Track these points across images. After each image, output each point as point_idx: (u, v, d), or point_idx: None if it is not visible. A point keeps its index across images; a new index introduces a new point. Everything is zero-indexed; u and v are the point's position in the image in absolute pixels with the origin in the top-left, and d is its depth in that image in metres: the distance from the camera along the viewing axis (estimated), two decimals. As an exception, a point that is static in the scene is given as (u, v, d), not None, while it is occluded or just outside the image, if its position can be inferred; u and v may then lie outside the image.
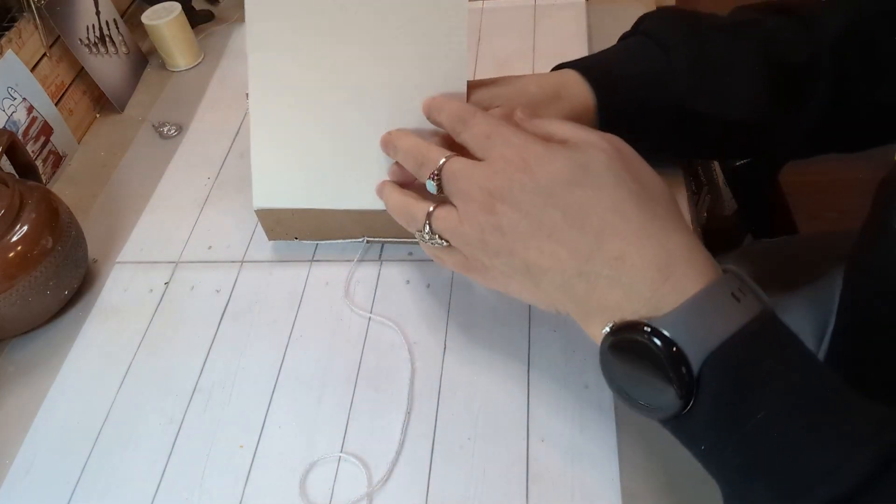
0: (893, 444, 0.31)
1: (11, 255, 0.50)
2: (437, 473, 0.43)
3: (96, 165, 0.70)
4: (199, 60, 0.81)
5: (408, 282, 0.54)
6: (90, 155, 0.72)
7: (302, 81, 0.50)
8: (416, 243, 0.53)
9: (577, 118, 0.49)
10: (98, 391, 0.51)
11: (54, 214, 0.54)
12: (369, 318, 0.52)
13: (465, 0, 0.46)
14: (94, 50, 0.74)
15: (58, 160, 0.70)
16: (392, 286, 0.54)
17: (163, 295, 0.56)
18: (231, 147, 0.68)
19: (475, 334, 0.50)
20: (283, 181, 0.53)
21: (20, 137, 0.62)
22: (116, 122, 0.76)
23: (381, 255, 0.56)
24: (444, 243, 0.42)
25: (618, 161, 0.39)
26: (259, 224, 0.59)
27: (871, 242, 0.45)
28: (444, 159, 0.42)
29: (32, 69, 0.67)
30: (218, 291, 0.56)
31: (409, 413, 0.46)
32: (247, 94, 0.52)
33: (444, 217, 0.42)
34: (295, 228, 0.55)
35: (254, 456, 0.46)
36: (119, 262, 0.59)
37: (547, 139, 0.41)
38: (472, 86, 0.50)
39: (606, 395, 0.45)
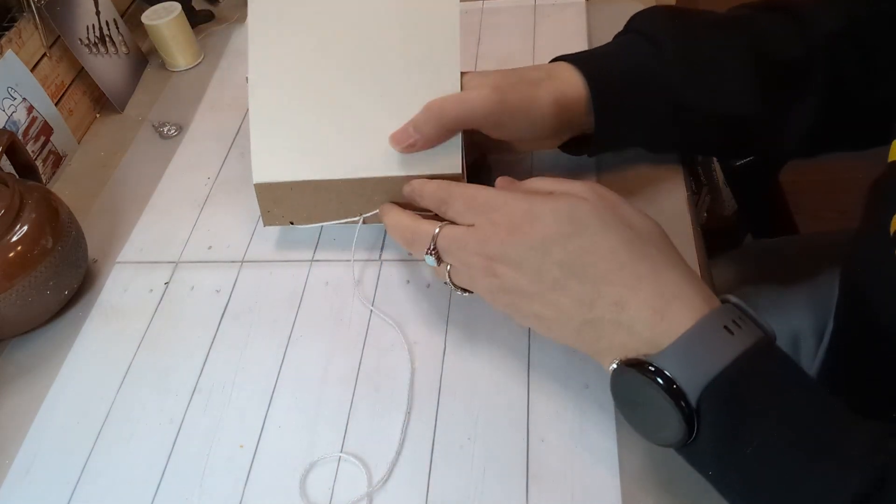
0: (885, 464, 0.32)
1: (11, 255, 0.50)
2: (437, 473, 0.43)
3: (96, 165, 0.70)
4: (199, 60, 0.81)
5: (408, 282, 0.54)
6: (90, 155, 0.72)
7: (299, 57, 0.52)
8: None
9: (570, 101, 0.50)
10: (98, 391, 0.51)
11: (54, 214, 0.54)
12: (370, 316, 0.52)
13: None
14: (94, 50, 0.74)
15: (58, 160, 0.70)
16: (392, 286, 0.54)
17: (163, 295, 0.56)
18: (231, 147, 0.68)
19: (475, 334, 0.50)
20: (281, 155, 0.54)
21: (20, 137, 0.62)
22: (116, 122, 0.76)
23: (381, 255, 0.56)
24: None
25: (602, 207, 0.41)
26: (258, 224, 0.59)
27: (865, 243, 0.45)
28: (437, 229, 0.44)
29: (32, 69, 0.67)
30: (218, 291, 0.56)
31: (409, 413, 0.46)
32: (247, 78, 0.53)
33: (456, 274, 0.45)
34: (292, 209, 0.55)
35: (254, 456, 0.46)
36: (119, 262, 0.59)
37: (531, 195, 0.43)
38: (465, 74, 0.51)
39: (606, 395, 0.45)
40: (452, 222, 0.45)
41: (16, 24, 0.67)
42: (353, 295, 0.53)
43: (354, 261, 0.55)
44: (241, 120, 0.71)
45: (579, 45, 0.71)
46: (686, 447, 0.37)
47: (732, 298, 0.38)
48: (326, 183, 0.54)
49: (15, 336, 0.55)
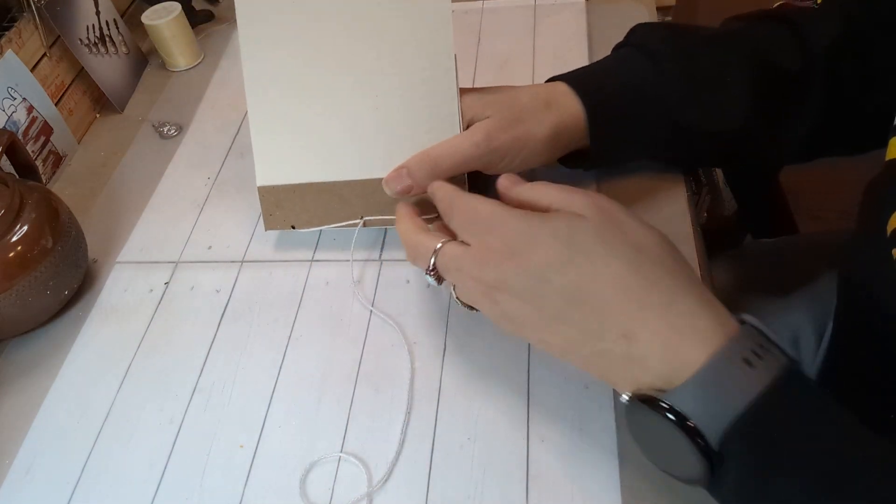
0: None
1: (11, 255, 0.50)
2: (437, 473, 0.43)
3: (96, 165, 0.70)
4: (199, 60, 0.81)
5: (408, 282, 0.54)
6: (90, 155, 0.72)
7: (295, 60, 0.52)
8: None
9: (567, 128, 0.50)
10: (98, 391, 0.51)
11: (54, 214, 0.54)
12: (370, 316, 0.52)
13: None
14: (94, 50, 0.74)
15: (58, 160, 0.70)
16: (392, 286, 0.54)
17: (163, 295, 0.56)
18: (231, 147, 0.68)
19: (475, 334, 0.50)
20: (284, 158, 0.54)
21: (20, 137, 0.62)
22: (116, 122, 0.76)
23: (381, 254, 0.56)
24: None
25: (605, 226, 0.38)
26: (258, 224, 0.59)
27: (863, 244, 0.45)
28: (439, 244, 0.42)
29: (32, 69, 0.67)
30: (218, 291, 0.56)
31: (409, 413, 0.46)
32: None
33: (460, 292, 0.43)
34: (293, 212, 0.55)
35: (254, 456, 0.46)
36: (119, 262, 0.59)
37: (531, 207, 0.41)
38: (465, 92, 0.51)
39: (606, 395, 0.45)
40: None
41: (16, 24, 0.67)
42: (353, 295, 0.53)
43: (354, 261, 0.55)
44: (241, 120, 0.71)
45: (579, 45, 0.71)
46: (710, 484, 0.35)
47: (750, 320, 0.36)
48: (329, 185, 0.54)
49: (15, 336, 0.55)
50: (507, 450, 0.43)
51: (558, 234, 0.38)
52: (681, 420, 0.33)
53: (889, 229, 0.40)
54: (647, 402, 0.35)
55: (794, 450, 0.33)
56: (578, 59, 0.70)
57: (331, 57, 0.51)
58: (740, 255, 0.71)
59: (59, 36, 0.71)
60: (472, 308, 0.43)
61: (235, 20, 0.52)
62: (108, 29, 0.77)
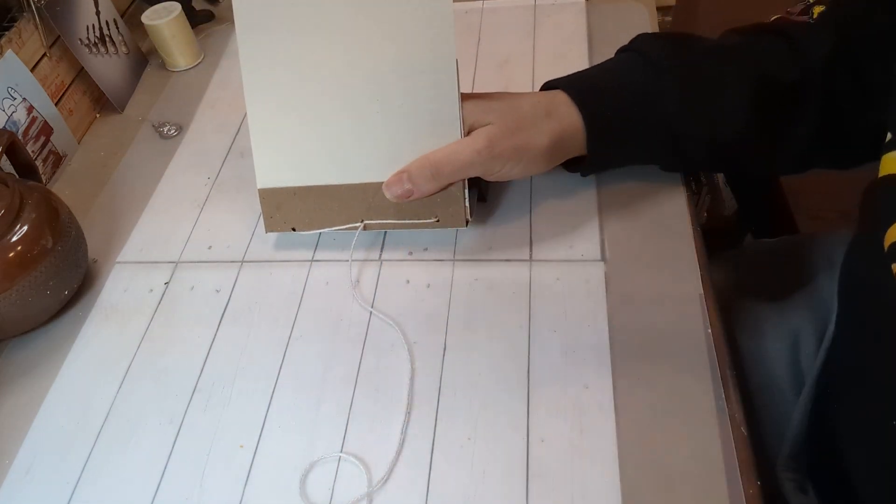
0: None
1: (11, 255, 0.50)
2: (437, 473, 0.43)
3: (96, 165, 0.70)
4: (199, 60, 0.81)
5: (408, 282, 0.54)
6: (90, 155, 0.72)
7: (294, 63, 0.51)
8: (411, 227, 0.54)
9: (567, 137, 0.51)
10: (98, 391, 0.51)
11: (54, 214, 0.54)
12: (370, 316, 0.52)
13: None
14: (94, 50, 0.74)
15: (58, 160, 0.70)
16: (392, 286, 0.54)
17: (163, 295, 0.56)
18: (231, 147, 0.68)
19: (475, 334, 0.50)
20: (284, 160, 0.54)
21: (20, 137, 0.62)
22: (116, 122, 0.76)
23: (381, 255, 0.56)
24: None
25: None
26: (258, 224, 0.59)
27: (860, 251, 0.45)
28: None
29: (32, 69, 0.67)
30: (218, 291, 0.56)
31: (409, 413, 0.46)
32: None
33: None
34: (294, 215, 0.55)
35: (254, 456, 0.46)
36: (119, 262, 0.59)
37: None
38: (467, 98, 0.51)
39: (606, 395, 0.45)
40: None
41: (16, 24, 0.67)
42: (352, 296, 0.53)
43: (353, 261, 0.55)
44: (241, 120, 0.71)
45: (579, 45, 0.71)
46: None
47: None
48: (329, 188, 0.54)
49: (15, 336, 0.55)
50: (507, 450, 0.43)
51: None
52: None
53: (887, 243, 0.40)
54: None
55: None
56: (578, 59, 0.70)
57: (331, 60, 0.51)
58: (740, 255, 0.71)
59: (59, 36, 0.71)
60: None
61: (235, 20, 0.52)
62: (108, 29, 0.77)
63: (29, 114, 0.66)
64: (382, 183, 0.52)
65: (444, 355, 0.49)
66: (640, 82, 0.51)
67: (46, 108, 0.68)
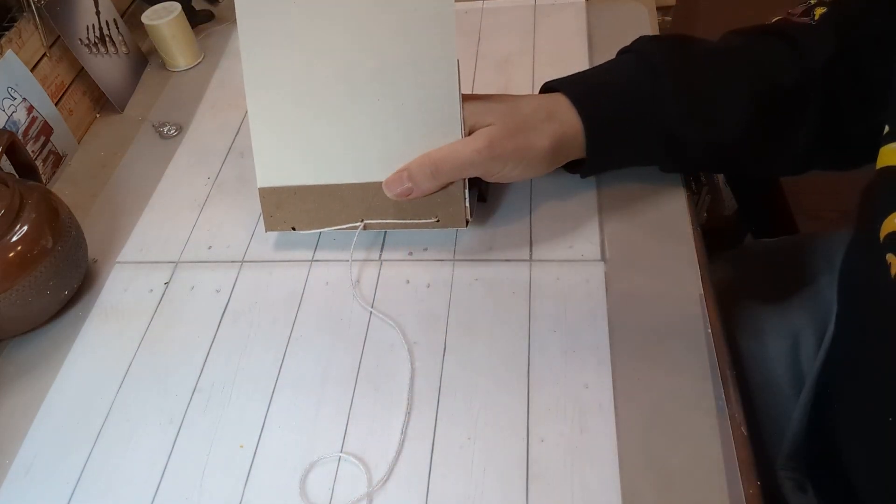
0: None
1: (11, 255, 0.50)
2: (437, 473, 0.43)
3: (96, 165, 0.70)
4: (199, 60, 0.81)
5: (408, 282, 0.54)
6: (90, 155, 0.72)
7: (295, 62, 0.51)
8: (411, 227, 0.54)
9: (567, 140, 0.51)
10: (98, 391, 0.51)
11: (54, 214, 0.54)
12: (370, 316, 0.52)
13: None
14: (94, 50, 0.74)
15: (58, 160, 0.70)
16: (392, 286, 0.54)
17: (163, 295, 0.56)
18: (231, 147, 0.68)
19: (475, 334, 0.50)
20: (285, 159, 0.54)
21: (20, 137, 0.62)
22: (116, 122, 0.76)
23: (381, 255, 0.56)
24: None
25: None
26: (258, 224, 0.59)
27: (858, 249, 0.45)
28: None
29: (32, 69, 0.67)
30: (218, 291, 0.56)
31: (409, 413, 0.46)
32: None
33: None
34: (294, 214, 0.55)
35: (254, 456, 0.46)
36: (119, 262, 0.59)
37: None
38: (468, 98, 0.51)
39: (607, 395, 0.45)
40: None
41: (16, 24, 0.67)
42: (352, 295, 0.53)
43: (353, 261, 0.55)
44: (241, 120, 0.71)
45: (579, 45, 0.71)
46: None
47: None
48: (330, 187, 0.54)
49: (15, 336, 0.55)
50: (507, 450, 0.43)
51: None
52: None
53: (882, 234, 0.40)
54: None
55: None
56: (578, 59, 0.70)
57: (332, 60, 0.51)
58: (740, 255, 0.71)
59: (59, 36, 0.71)
60: None
61: (235, 20, 0.52)
62: (108, 29, 0.77)
63: (29, 114, 0.66)
64: (382, 182, 0.52)
65: (444, 355, 0.49)
66: (640, 84, 0.51)
67: (46, 108, 0.68)
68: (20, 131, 0.64)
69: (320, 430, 0.46)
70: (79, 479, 0.46)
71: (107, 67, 0.76)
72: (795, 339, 0.59)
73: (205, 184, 0.65)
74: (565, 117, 0.51)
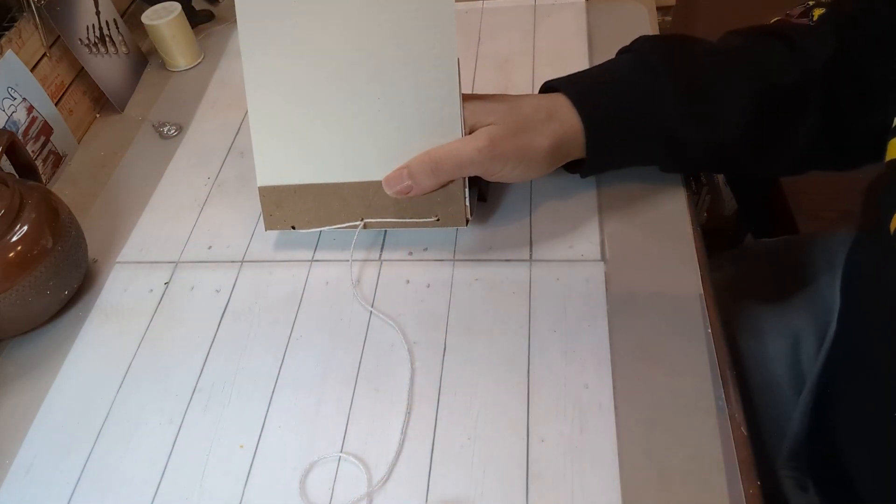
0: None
1: (11, 255, 0.50)
2: (437, 473, 0.43)
3: (96, 165, 0.70)
4: (199, 60, 0.81)
5: (408, 282, 0.54)
6: (90, 155, 0.72)
7: (296, 61, 0.51)
8: (411, 225, 0.54)
9: (567, 140, 0.51)
10: (98, 391, 0.51)
11: (54, 214, 0.54)
12: (370, 316, 0.52)
13: None
14: (94, 50, 0.74)
15: (58, 160, 0.70)
16: (392, 286, 0.54)
17: (163, 295, 0.56)
18: (231, 147, 0.68)
19: (475, 334, 0.50)
20: (284, 158, 0.54)
21: (20, 137, 0.62)
22: (116, 122, 0.76)
23: (381, 255, 0.56)
24: None
25: None
26: (258, 224, 0.60)
27: (865, 243, 0.45)
28: None
29: (32, 69, 0.67)
30: (218, 291, 0.56)
31: (409, 413, 0.46)
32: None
33: None
34: (294, 213, 0.55)
35: (254, 456, 0.46)
36: (119, 262, 0.59)
37: None
38: (469, 98, 0.51)
39: (606, 395, 0.45)
40: None
41: (16, 24, 0.67)
42: (352, 295, 0.53)
43: (353, 261, 0.55)
44: (241, 120, 0.71)
45: (579, 44, 0.71)
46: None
47: None
48: (329, 186, 0.54)
49: (15, 336, 0.55)
50: (507, 450, 0.43)
51: None
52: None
53: (893, 227, 0.40)
54: None
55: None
56: (578, 59, 0.70)
57: (332, 59, 0.51)
58: (740, 255, 0.71)
59: (59, 36, 0.71)
60: None
61: (235, 20, 0.52)
62: (108, 29, 0.77)
63: (29, 114, 0.66)
64: (382, 179, 0.52)
65: (444, 355, 0.49)
66: (640, 84, 0.51)
67: (46, 108, 0.68)
68: (20, 131, 0.64)
69: (320, 430, 0.46)
70: (79, 479, 0.46)
71: (107, 67, 0.76)
72: (796, 338, 0.59)
73: (205, 184, 0.65)
74: (565, 117, 0.51)
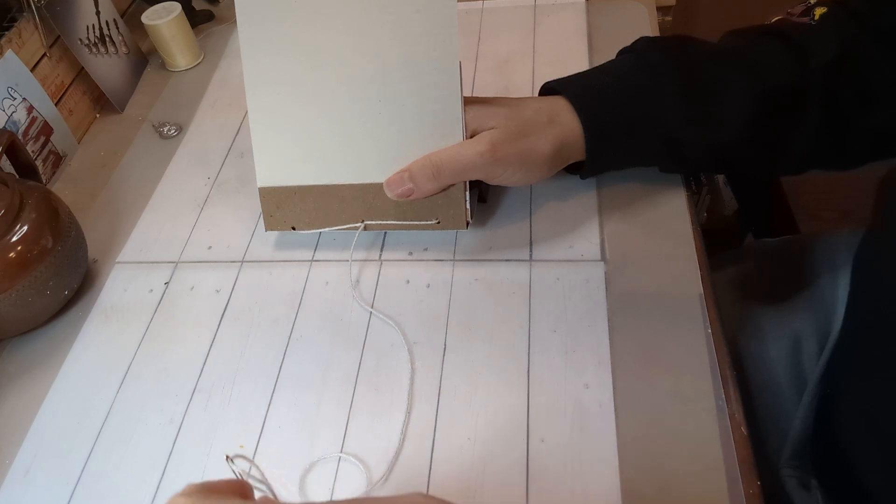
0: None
1: (11, 255, 0.50)
2: (437, 473, 0.43)
3: (96, 165, 0.70)
4: (199, 60, 0.81)
5: (408, 282, 0.54)
6: (90, 155, 0.72)
7: (296, 62, 0.51)
8: (412, 228, 0.54)
9: (568, 144, 0.51)
10: (98, 391, 0.51)
11: (54, 214, 0.54)
12: (370, 316, 0.52)
13: None
14: (94, 50, 0.74)
15: (58, 160, 0.70)
16: (392, 286, 0.54)
17: (163, 295, 0.56)
18: (231, 147, 0.68)
19: (475, 334, 0.50)
20: (285, 159, 0.54)
21: (20, 137, 0.62)
22: (116, 122, 0.76)
23: (381, 255, 0.56)
24: None
25: None
26: (258, 224, 0.60)
27: (880, 239, 0.45)
28: None
29: (32, 69, 0.67)
30: (218, 291, 0.56)
31: (409, 413, 0.46)
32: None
33: None
34: (294, 214, 0.55)
35: (254, 456, 0.46)
36: (119, 262, 0.59)
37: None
38: (470, 102, 0.51)
39: (607, 395, 0.45)
40: None
41: (16, 24, 0.67)
42: (352, 296, 0.53)
43: (353, 261, 0.55)
44: (241, 120, 0.71)
45: (579, 44, 0.71)
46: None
47: None
48: (330, 188, 0.54)
49: (15, 336, 0.55)
50: (507, 450, 0.43)
51: None
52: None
53: None
54: None
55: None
56: (578, 58, 0.70)
57: (333, 60, 0.51)
58: (740, 255, 0.71)
59: (59, 36, 0.71)
60: None
61: (235, 20, 0.52)
62: (108, 29, 0.77)
63: (29, 114, 0.66)
64: (383, 183, 0.52)
65: (444, 355, 0.49)
66: (640, 86, 0.51)
67: (46, 108, 0.68)
68: (20, 131, 0.64)
69: (320, 430, 0.46)
70: (79, 479, 0.46)
71: (107, 67, 0.76)
72: (796, 339, 0.59)
73: (205, 184, 0.65)
74: (566, 121, 0.51)
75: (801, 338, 0.59)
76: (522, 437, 0.44)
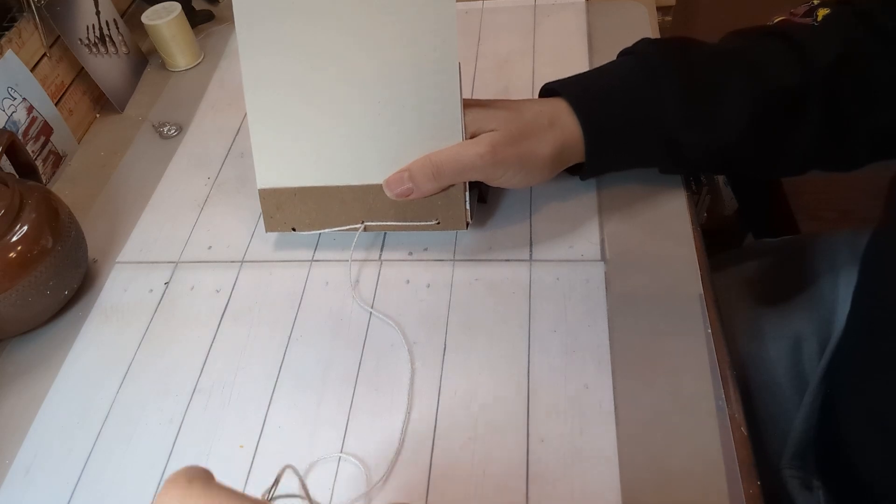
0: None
1: (11, 255, 0.50)
2: (437, 473, 0.43)
3: (96, 165, 0.70)
4: (199, 60, 0.81)
5: (408, 282, 0.54)
6: (90, 155, 0.72)
7: (295, 64, 0.51)
8: (412, 228, 0.54)
9: (568, 146, 0.52)
10: (98, 391, 0.51)
11: (54, 214, 0.54)
12: (370, 317, 0.52)
13: None
14: (94, 50, 0.74)
15: (58, 160, 0.70)
16: (392, 286, 0.54)
17: (163, 295, 0.56)
18: (231, 147, 0.68)
19: (475, 334, 0.50)
20: (284, 161, 0.54)
21: (20, 137, 0.62)
22: (116, 122, 0.76)
23: (381, 255, 0.56)
24: None
25: None
26: (258, 224, 0.59)
27: (885, 240, 0.45)
28: None
29: (32, 69, 0.67)
30: (218, 291, 0.56)
31: (409, 413, 0.46)
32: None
33: None
34: (294, 215, 0.55)
35: (254, 456, 0.46)
36: (119, 262, 0.59)
37: None
38: (470, 104, 0.51)
39: (606, 395, 0.45)
40: None
41: (16, 24, 0.67)
42: (352, 296, 0.53)
43: (353, 261, 0.55)
44: (241, 120, 0.71)
45: (579, 44, 0.71)
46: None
47: None
48: (330, 189, 0.54)
49: (15, 336, 0.55)
50: (507, 450, 0.43)
51: None
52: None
53: None
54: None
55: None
56: (578, 59, 0.70)
57: (332, 61, 0.51)
58: (740, 255, 0.71)
59: (59, 36, 0.71)
60: None
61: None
62: (108, 29, 0.77)
63: (29, 114, 0.66)
64: (383, 183, 0.52)
65: (444, 355, 0.49)
66: (640, 87, 0.51)
67: (46, 108, 0.68)
68: (20, 131, 0.64)
69: (320, 430, 0.46)
70: (79, 479, 0.46)
71: (107, 67, 0.76)
72: (797, 339, 0.59)
73: (205, 184, 0.65)
74: (566, 124, 0.51)
75: (802, 338, 0.59)
76: (522, 437, 0.44)
